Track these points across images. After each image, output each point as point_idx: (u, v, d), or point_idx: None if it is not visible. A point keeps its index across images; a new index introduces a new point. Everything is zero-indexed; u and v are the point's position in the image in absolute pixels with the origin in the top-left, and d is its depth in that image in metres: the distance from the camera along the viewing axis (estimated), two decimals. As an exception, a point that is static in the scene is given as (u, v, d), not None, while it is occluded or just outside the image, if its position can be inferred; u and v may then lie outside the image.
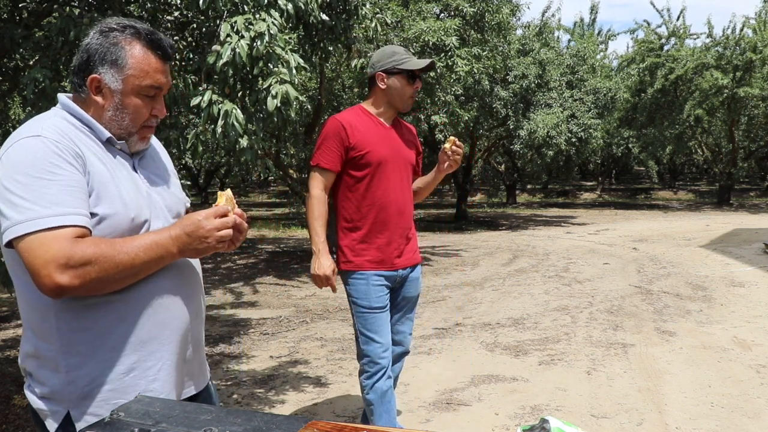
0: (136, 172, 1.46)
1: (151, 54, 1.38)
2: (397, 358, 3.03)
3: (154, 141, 1.61)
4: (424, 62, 2.72)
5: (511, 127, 14.68)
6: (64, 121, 1.37)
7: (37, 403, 1.35)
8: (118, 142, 1.42)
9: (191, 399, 1.53)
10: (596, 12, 23.53)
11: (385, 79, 2.75)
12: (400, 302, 2.92)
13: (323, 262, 2.69)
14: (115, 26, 1.37)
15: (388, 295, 2.83)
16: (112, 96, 1.37)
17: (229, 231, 1.33)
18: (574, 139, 14.57)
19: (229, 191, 1.41)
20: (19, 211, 1.21)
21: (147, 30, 1.37)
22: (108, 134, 1.39)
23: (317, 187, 2.74)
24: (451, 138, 2.65)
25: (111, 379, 1.32)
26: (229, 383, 4.28)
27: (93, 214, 1.30)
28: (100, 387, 1.31)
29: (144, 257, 1.28)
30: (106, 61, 1.35)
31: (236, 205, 1.40)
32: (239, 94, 3.19)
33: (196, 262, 1.55)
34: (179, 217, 1.49)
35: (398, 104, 2.77)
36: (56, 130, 1.32)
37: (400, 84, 2.73)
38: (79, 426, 1.31)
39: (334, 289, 2.76)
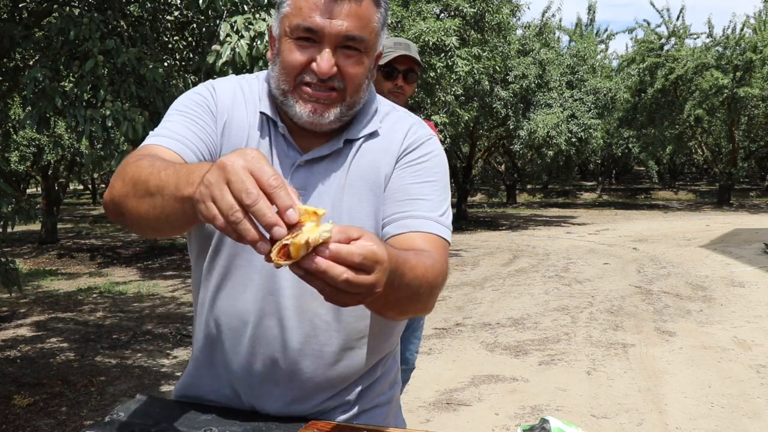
0: (290, 171, 1.09)
1: None
2: (403, 376, 2.95)
3: (377, 165, 1.11)
4: (390, 56, 2.58)
5: (511, 127, 14.68)
6: (255, 80, 1.17)
7: None
8: (281, 124, 1.10)
9: None
10: (594, 12, 23.51)
11: (374, 72, 2.75)
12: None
13: None
14: None
15: None
16: (274, 45, 1.09)
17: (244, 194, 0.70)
18: (574, 139, 14.57)
19: (326, 224, 0.73)
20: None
21: None
22: (264, 108, 1.11)
23: None
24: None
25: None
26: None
27: None
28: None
29: (161, 178, 0.86)
30: (276, 4, 1.10)
31: (325, 239, 0.72)
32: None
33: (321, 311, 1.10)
34: None
35: None
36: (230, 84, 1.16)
37: (378, 78, 2.65)
38: None
39: None
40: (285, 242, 0.70)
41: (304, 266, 0.72)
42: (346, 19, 1.00)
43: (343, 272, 0.72)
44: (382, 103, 1.19)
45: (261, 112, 1.11)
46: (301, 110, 1.05)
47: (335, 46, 1.02)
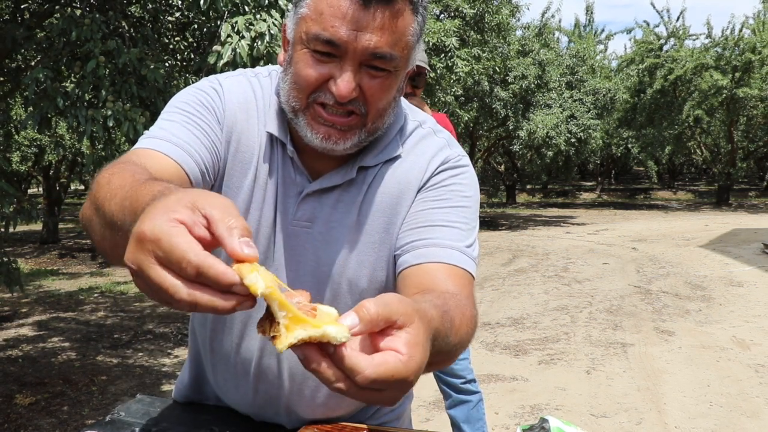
0: (296, 201, 0.97)
1: None
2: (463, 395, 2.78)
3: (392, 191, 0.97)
4: None
5: (511, 127, 14.71)
6: (268, 78, 1.01)
7: None
8: (290, 147, 0.95)
9: None
10: (591, 13, 23.52)
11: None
12: None
13: None
14: None
15: None
16: (287, 49, 0.92)
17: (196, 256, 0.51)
18: (573, 140, 14.60)
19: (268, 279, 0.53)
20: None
21: None
22: (271, 128, 0.96)
23: None
24: None
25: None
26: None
27: None
28: None
29: (112, 210, 0.68)
30: (294, 2, 0.91)
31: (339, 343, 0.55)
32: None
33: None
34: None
35: None
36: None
37: None
38: None
39: None
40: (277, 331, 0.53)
41: (294, 351, 0.54)
42: (376, 32, 0.83)
43: (337, 381, 0.55)
44: (409, 118, 1.03)
45: (267, 132, 0.96)
46: (313, 135, 0.89)
47: (359, 64, 0.85)
